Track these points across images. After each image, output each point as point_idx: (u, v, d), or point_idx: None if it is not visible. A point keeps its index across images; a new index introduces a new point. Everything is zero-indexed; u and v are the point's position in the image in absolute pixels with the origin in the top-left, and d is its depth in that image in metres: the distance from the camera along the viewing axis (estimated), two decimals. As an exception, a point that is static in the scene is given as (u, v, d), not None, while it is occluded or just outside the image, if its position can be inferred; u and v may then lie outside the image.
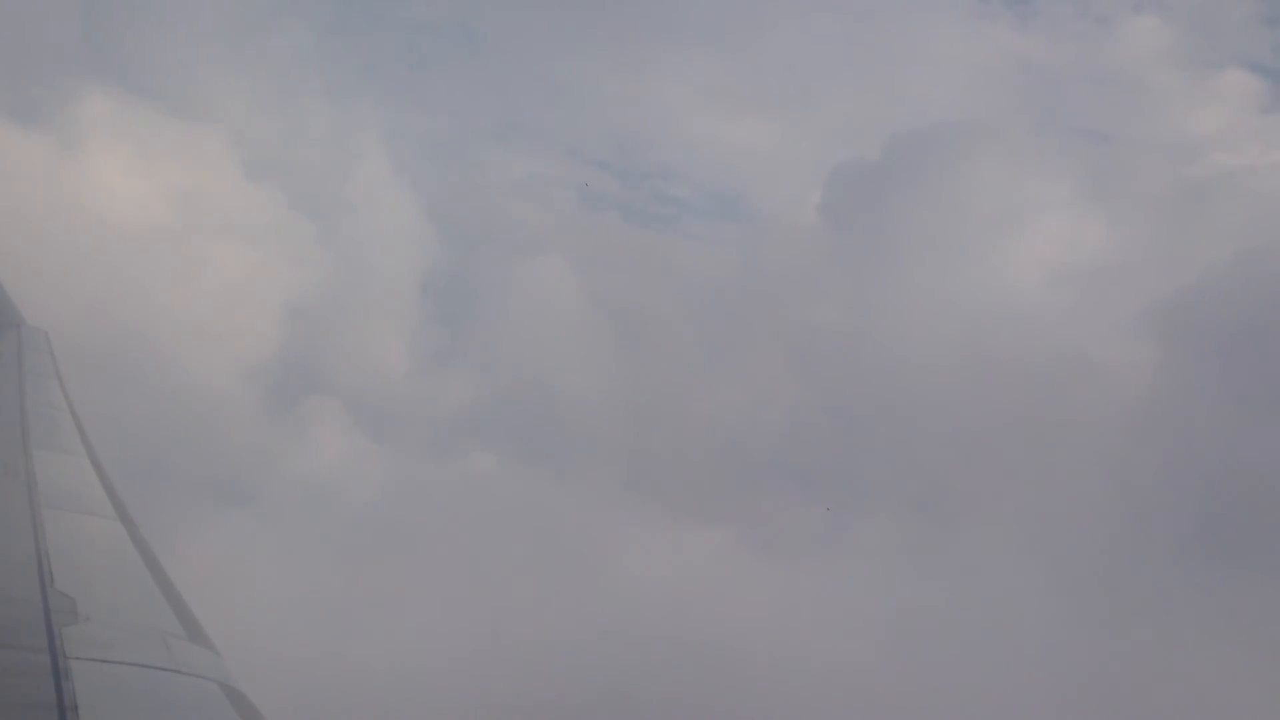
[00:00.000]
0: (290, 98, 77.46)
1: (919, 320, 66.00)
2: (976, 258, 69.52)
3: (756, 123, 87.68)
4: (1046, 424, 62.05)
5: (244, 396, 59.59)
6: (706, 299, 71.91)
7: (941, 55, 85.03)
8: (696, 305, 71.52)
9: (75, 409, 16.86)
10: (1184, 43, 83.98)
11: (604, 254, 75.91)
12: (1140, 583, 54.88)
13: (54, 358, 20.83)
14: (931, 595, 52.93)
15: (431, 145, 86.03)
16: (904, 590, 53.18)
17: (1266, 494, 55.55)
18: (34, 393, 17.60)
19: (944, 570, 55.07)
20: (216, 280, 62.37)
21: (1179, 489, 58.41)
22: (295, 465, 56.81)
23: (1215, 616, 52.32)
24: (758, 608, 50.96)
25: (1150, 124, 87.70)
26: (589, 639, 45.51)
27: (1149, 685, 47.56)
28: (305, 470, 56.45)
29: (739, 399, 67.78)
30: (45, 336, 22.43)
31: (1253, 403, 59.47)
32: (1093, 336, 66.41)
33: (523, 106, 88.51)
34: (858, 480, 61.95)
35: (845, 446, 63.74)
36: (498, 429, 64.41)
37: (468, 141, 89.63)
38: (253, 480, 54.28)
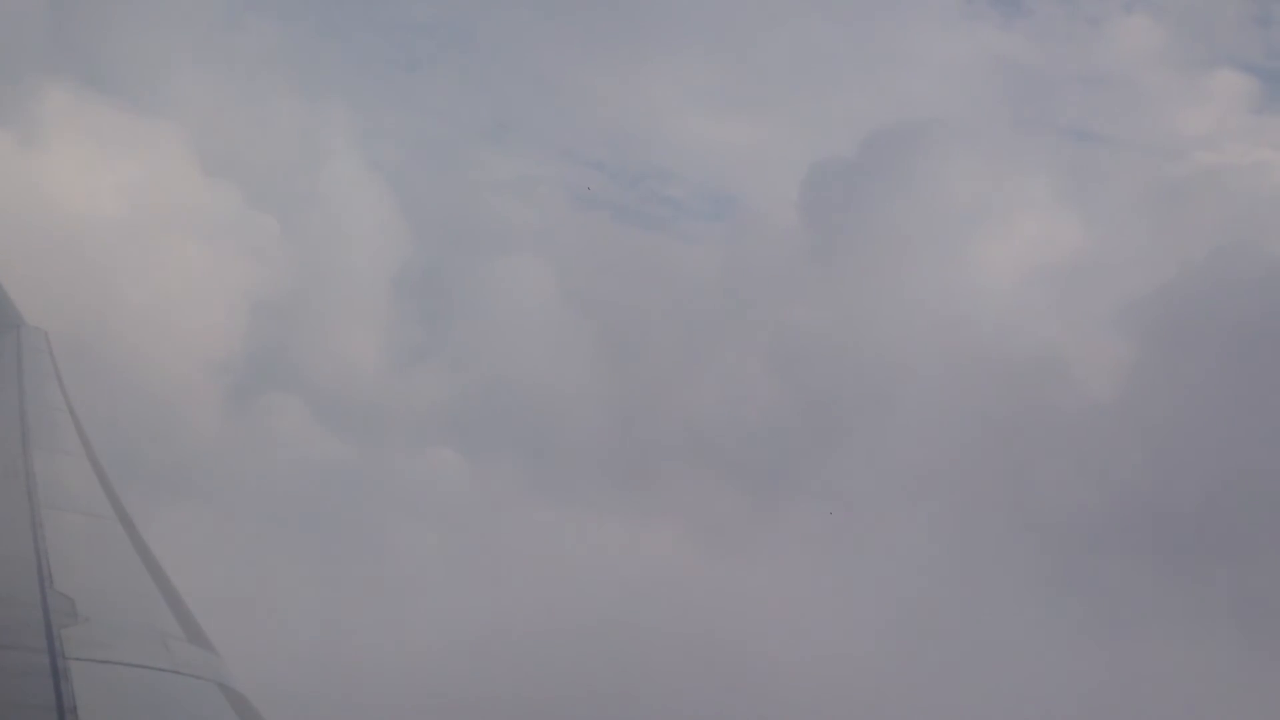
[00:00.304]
0: (277, 97, 77.23)
1: (890, 317, 66.48)
2: (951, 256, 69.83)
3: (748, 123, 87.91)
4: (1022, 419, 62.55)
5: (204, 392, 59.37)
6: (685, 297, 72.10)
7: (933, 56, 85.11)
8: (675, 303, 71.61)
9: (75, 409, 16.86)
10: (1175, 43, 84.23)
11: (588, 253, 75.82)
12: (1116, 582, 55.39)
13: (54, 358, 20.83)
14: (912, 591, 53.35)
15: (422, 145, 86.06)
16: (894, 588, 53.58)
17: (1240, 487, 56.21)
18: (33, 393, 17.61)
19: (925, 566, 55.40)
20: (180, 276, 62.04)
21: (1153, 484, 59.05)
22: (252, 460, 56.39)
23: (1188, 613, 53.15)
24: (712, 600, 51.19)
25: (1139, 124, 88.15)
26: (546, 632, 45.68)
27: (1118, 683, 48.05)
28: (262, 465, 56.04)
29: (709, 396, 67.94)
30: (45, 337, 22.42)
31: (1221, 397, 60.11)
32: (1066, 333, 67.10)
33: (513, 106, 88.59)
34: (829, 476, 62.11)
35: (814, 442, 63.94)
36: (468, 426, 64.44)
37: (458, 141, 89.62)
38: (208, 476, 53.90)
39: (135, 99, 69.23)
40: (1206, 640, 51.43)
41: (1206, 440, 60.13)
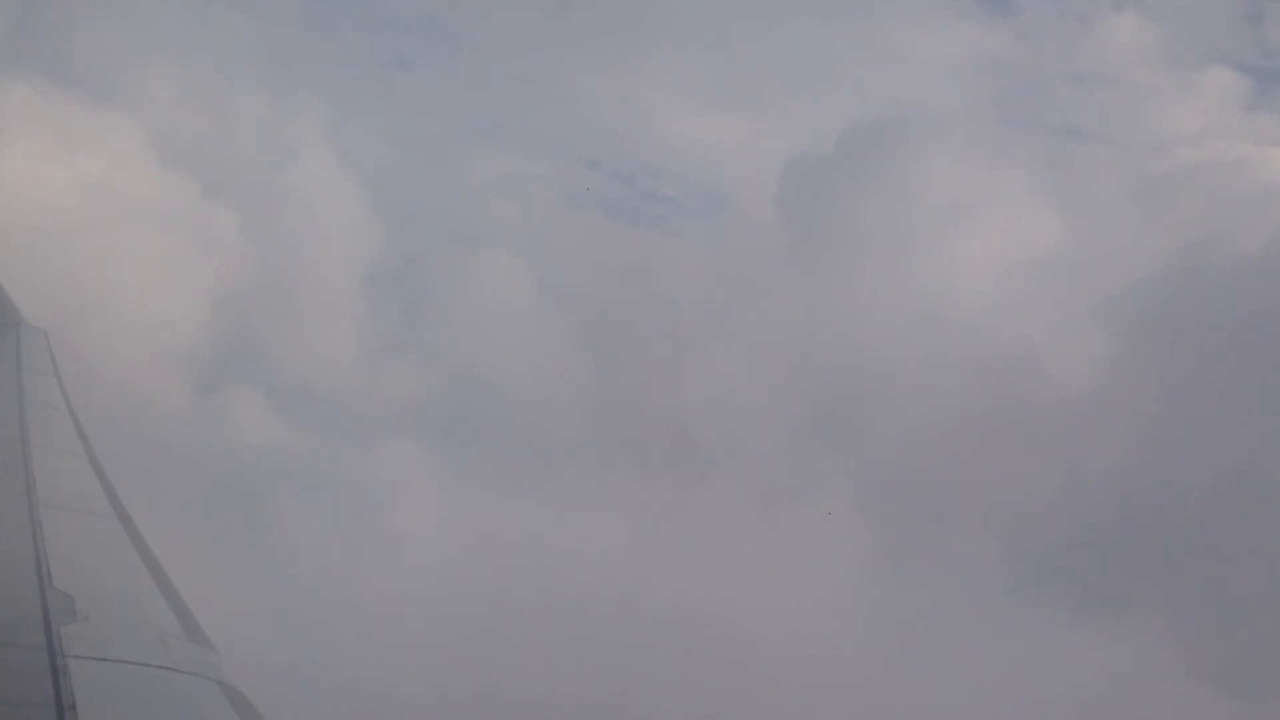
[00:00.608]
0: (266, 95, 77.32)
1: (867, 313, 66.64)
2: (927, 252, 70.05)
3: (740, 120, 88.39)
4: (999, 414, 62.72)
5: (166, 384, 59.19)
6: (666, 293, 72.20)
7: (923, 53, 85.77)
8: (655, 299, 71.68)
9: (74, 408, 16.87)
10: (1165, 40, 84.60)
11: (572, 250, 76.14)
12: (1094, 576, 55.64)
13: (53, 356, 20.85)
14: (890, 587, 53.56)
15: (412, 143, 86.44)
16: (871, 584, 53.76)
17: (1218, 481, 56.29)
18: (32, 392, 17.62)
19: (901, 562, 55.58)
20: (144, 270, 61.96)
21: (1131, 477, 59.27)
22: (212, 453, 55.98)
23: (1171, 605, 53.25)
24: (689, 594, 51.12)
25: (1128, 121, 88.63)
26: (518, 626, 45.59)
27: (1096, 678, 48.15)
28: (221, 459, 55.68)
29: (690, 393, 67.94)
30: (44, 335, 22.44)
31: (1190, 391, 60.36)
32: (1043, 328, 67.43)
33: (505, 105, 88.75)
34: (807, 473, 62.21)
35: (789, 437, 64.05)
36: (439, 421, 64.44)
37: (450, 140, 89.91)
38: (164, 470, 53.61)
39: (102, 95, 69.43)
40: (1183, 634, 51.67)
41: (1185, 434, 60.42)
